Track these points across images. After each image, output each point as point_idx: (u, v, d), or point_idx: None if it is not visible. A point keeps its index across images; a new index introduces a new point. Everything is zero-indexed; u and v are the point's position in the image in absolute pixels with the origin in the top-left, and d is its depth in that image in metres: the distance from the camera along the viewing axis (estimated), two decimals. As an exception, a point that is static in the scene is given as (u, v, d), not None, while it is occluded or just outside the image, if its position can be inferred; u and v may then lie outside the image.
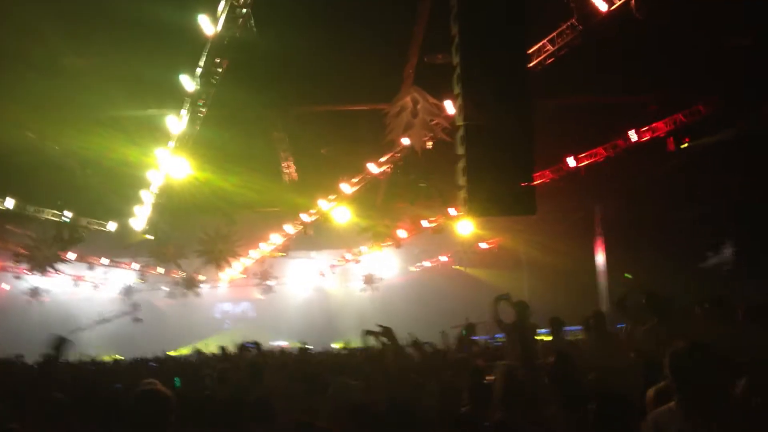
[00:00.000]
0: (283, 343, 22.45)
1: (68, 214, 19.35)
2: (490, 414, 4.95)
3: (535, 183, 7.07)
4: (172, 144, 13.46)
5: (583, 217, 21.64)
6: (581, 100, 13.77)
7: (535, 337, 9.71)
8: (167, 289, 31.87)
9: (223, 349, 11.66)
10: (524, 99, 6.89)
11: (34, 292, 30.23)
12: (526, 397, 5.38)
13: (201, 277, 28.70)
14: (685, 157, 14.06)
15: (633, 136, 14.03)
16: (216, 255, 22.31)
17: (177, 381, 8.28)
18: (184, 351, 23.28)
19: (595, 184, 17.39)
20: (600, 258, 21.58)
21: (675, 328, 6.39)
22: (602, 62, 11.78)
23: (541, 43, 10.50)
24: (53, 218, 19.40)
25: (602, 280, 21.33)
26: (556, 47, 10.40)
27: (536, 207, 6.86)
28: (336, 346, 23.58)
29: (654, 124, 13.68)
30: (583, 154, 15.56)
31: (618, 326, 10.96)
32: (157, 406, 3.89)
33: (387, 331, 5.70)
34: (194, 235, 22.30)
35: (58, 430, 4.70)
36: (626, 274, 9.85)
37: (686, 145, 13.75)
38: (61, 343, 7.23)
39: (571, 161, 15.62)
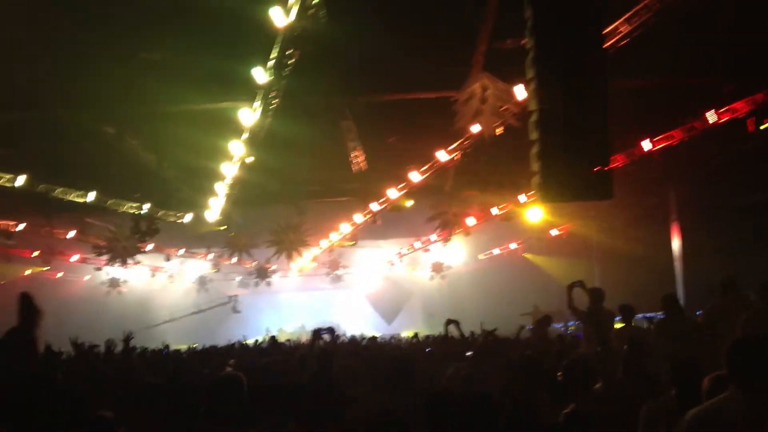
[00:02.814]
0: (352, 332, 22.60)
1: (146, 207, 19.95)
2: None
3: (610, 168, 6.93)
4: (245, 136, 13.72)
5: (658, 202, 21.15)
6: (656, 83, 13.43)
7: (612, 326, 9.62)
8: (239, 278, 32.63)
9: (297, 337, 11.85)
10: (599, 82, 6.78)
11: (113, 283, 31.24)
12: (601, 386, 5.34)
13: (272, 267, 29.21)
14: (764, 138, 13.61)
15: (711, 117, 13.61)
16: (287, 245, 22.70)
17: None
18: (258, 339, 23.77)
19: (670, 168, 16.98)
20: (675, 244, 21.07)
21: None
22: (677, 42, 11.48)
23: (615, 24, 10.28)
24: (131, 211, 20.04)
25: (678, 267, 20.83)
26: (630, 28, 10.17)
27: (612, 191, 6.76)
28: (405, 334, 23.68)
29: (733, 105, 13.23)
30: (657, 137, 15.20)
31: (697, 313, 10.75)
32: (234, 390, 4.03)
33: (455, 324, 5.72)
34: (266, 226, 22.73)
35: (148, 414, 4.84)
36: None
37: (766, 125, 13.30)
38: (130, 337, 7.53)
39: (645, 144, 15.28)
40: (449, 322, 5.89)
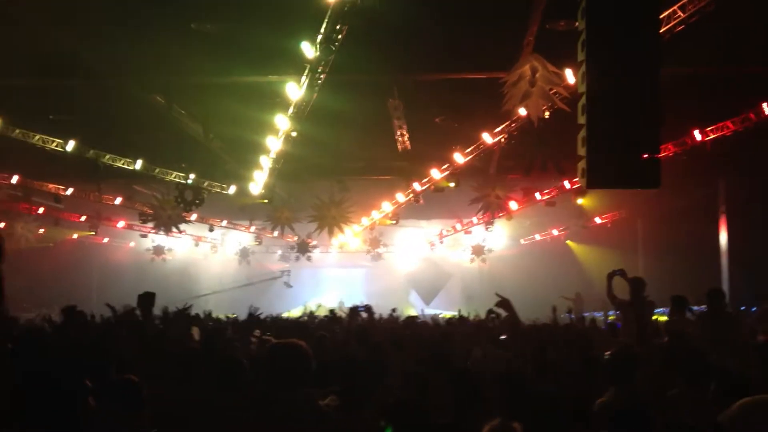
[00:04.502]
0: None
1: (191, 177, 20.19)
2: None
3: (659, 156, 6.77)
4: (291, 110, 13.76)
5: (707, 193, 20.70)
6: (711, 71, 13.09)
7: (652, 317, 9.45)
8: (280, 252, 32.92)
9: (332, 312, 11.93)
10: (652, 67, 6.62)
11: (158, 250, 31.78)
12: (640, 376, 5.26)
13: (313, 242, 29.38)
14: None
15: (766, 109, 13.25)
16: (329, 221, 22.77)
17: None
18: (297, 312, 23.99)
19: (720, 160, 16.59)
20: (723, 237, 20.61)
21: None
22: (735, 30, 11.16)
23: (671, 10, 10.03)
24: (177, 180, 20.31)
25: (724, 262, 20.39)
26: (686, 14, 9.92)
27: (660, 180, 6.61)
28: (443, 316, 23.66)
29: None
30: (710, 128, 14.86)
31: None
32: (298, 359, 4.00)
33: (505, 303, 5.66)
34: (308, 201, 22.84)
35: (190, 379, 4.89)
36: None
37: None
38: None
39: (697, 134, 14.96)
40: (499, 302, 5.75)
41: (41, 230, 26.18)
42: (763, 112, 13.37)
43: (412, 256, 33.75)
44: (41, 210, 24.55)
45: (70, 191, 22.23)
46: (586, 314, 23.15)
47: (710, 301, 8.26)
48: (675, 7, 10.02)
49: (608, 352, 5.39)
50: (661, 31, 9.66)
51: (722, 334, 7.54)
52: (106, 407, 3.56)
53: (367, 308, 9.84)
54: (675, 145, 15.43)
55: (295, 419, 3.77)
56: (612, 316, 19.82)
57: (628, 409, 3.94)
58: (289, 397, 3.84)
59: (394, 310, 18.00)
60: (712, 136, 14.85)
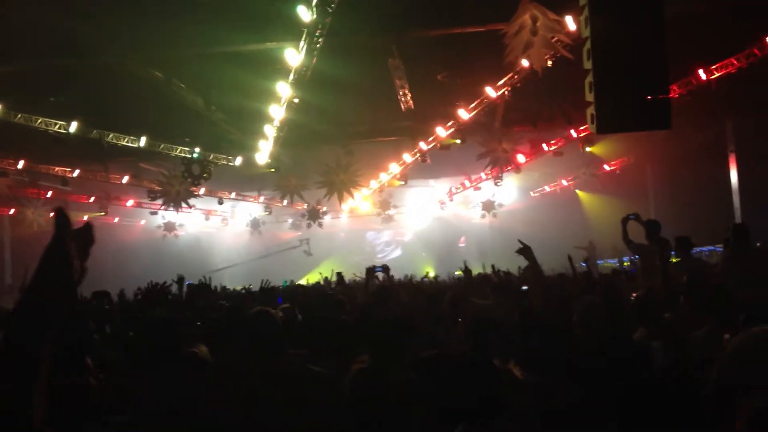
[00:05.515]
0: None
1: (196, 150, 20.15)
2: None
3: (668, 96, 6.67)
4: (291, 77, 13.65)
5: (715, 133, 20.52)
6: (712, 7, 12.86)
7: (669, 258, 9.39)
8: (291, 221, 32.97)
9: (339, 275, 11.83)
10: (656, 6, 6.49)
11: (169, 227, 31.89)
12: (666, 319, 5.25)
13: (323, 209, 29.39)
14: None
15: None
16: (337, 186, 22.74)
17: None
18: (312, 279, 24.11)
19: (726, 98, 16.39)
20: (734, 176, 20.47)
21: None
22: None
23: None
24: (183, 155, 20.27)
25: (736, 201, 20.28)
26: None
27: (671, 120, 6.52)
28: (458, 274, 23.70)
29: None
30: (714, 66, 14.66)
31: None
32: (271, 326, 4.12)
33: (527, 250, 5.60)
34: (315, 167, 22.79)
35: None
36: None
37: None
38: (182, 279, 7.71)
39: (701, 74, 14.77)
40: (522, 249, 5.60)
41: (51, 214, 26.15)
42: (767, 46, 13.15)
43: (424, 216, 33.73)
44: (50, 194, 24.61)
45: (76, 173, 22.27)
46: (600, 262, 23.25)
47: (736, 238, 8.04)
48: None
49: (636, 296, 5.37)
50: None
51: (752, 270, 7.36)
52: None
53: (385, 268, 9.77)
54: (680, 85, 15.25)
55: (286, 380, 3.93)
56: (626, 263, 19.83)
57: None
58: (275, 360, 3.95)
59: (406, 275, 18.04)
60: (717, 75, 14.65)
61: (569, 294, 5.96)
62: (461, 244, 32.92)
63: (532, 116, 15.20)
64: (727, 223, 16.97)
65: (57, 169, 21.93)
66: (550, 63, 12.59)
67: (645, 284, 7.42)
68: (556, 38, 11.82)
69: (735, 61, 14.22)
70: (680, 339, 4.68)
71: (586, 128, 17.32)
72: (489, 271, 11.47)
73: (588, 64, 6.56)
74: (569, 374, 3.52)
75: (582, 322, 4.69)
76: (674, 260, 9.60)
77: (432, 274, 22.04)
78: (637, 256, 10.28)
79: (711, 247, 16.61)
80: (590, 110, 6.58)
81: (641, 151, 24.07)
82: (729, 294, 4.98)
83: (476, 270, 18.87)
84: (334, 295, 9.23)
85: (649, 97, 6.33)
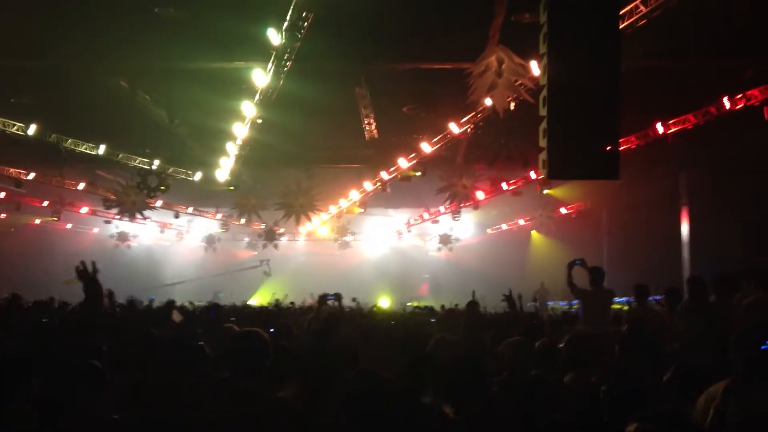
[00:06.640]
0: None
1: (155, 162, 19.96)
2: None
3: (620, 148, 6.85)
4: (257, 97, 13.68)
5: (669, 185, 20.98)
6: (672, 64, 13.26)
7: (611, 305, 9.57)
8: (247, 240, 32.75)
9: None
10: (612, 60, 6.69)
11: (122, 237, 31.43)
12: (594, 362, 5.34)
13: (280, 230, 29.28)
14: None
15: (726, 103, 13.45)
16: (296, 209, 22.69)
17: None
18: (263, 300, 23.96)
19: (681, 152, 16.81)
20: (685, 228, 20.90)
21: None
22: (697, 25, 11.28)
23: (633, 4, 10.13)
24: (141, 165, 20.06)
25: (686, 253, 20.70)
26: (649, 8, 10.02)
27: (620, 172, 6.69)
28: (410, 305, 23.76)
29: (749, 92, 13.07)
30: (672, 121, 15.06)
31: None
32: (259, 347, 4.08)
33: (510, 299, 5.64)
34: (275, 189, 22.74)
35: (153, 363, 4.89)
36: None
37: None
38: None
39: (659, 127, 15.16)
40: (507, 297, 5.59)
41: (2, 215, 25.73)
42: (724, 106, 13.55)
43: (380, 245, 33.78)
44: (2, 195, 24.13)
45: (31, 176, 21.83)
46: (550, 303, 23.50)
47: (692, 290, 7.77)
48: (637, 1, 10.12)
49: (567, 338, 5.46)
50: (623, 25, 9.78)
51: (710, 325, 7.10)
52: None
53: (337, 296, 9.79)
54: (638, 136, 15.62)
55: (251, 408, 3.82)
56: (576, 305, 20.06)
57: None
58: (246, 387, 3.90)
59: (354, 299, 18.07)
60: (674, 129, 15.04)
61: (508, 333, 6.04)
62: (426, 275, 32.96)
63: (492, 155, 15.40)
64: (673, 274, 17.38)
65: (11, 170, 21.51)
66: (512, 105, 12.83)
67: (586, 328, 7.55)
68: (519, 82, 12.08)
69: (692, 118, 14.60)
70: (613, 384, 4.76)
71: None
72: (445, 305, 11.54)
73: (543, 111, 6.72)
74: (492, 414, 3.58)
75: (509, 363, 4.77)
76: (625, 308, 9.75)
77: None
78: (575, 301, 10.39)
79: (660, 297, 16.82)
80: (542, 156, 6.73)
81: (598, 196, 24.48)
82: (657, 345, 5.09)
83: (429, 303, 19.02)
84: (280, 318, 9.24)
85: (599, 147, 6.50)
